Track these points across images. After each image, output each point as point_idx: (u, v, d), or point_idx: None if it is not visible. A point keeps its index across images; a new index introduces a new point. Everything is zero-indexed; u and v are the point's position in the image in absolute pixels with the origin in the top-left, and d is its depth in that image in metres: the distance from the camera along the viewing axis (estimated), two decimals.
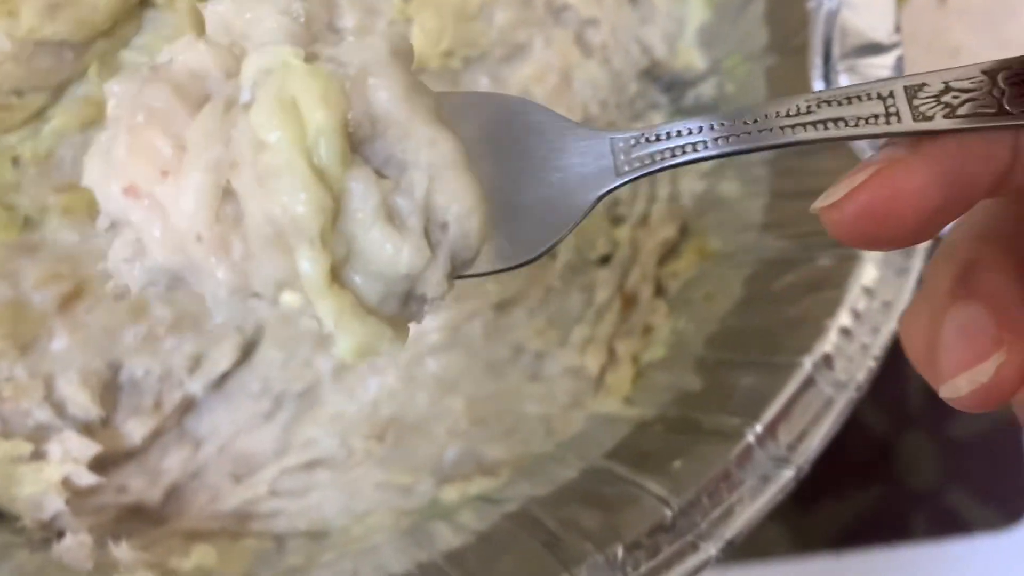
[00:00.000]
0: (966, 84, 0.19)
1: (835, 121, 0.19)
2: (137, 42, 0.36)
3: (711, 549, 0.30)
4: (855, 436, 0.58)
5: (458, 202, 0.20)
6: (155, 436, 0.38)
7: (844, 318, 0.33)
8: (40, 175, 0.36)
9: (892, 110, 0.19)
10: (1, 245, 0.35)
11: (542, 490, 0.35)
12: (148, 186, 0.19)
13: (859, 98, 0.19)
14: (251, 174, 0.19)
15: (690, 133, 0.20)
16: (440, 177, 0.20)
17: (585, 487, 0.34)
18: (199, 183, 0.19)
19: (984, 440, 0.58)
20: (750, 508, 0.30)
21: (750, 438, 0.31)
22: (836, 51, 0.34)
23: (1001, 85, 0.19)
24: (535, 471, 0.37)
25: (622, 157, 0.21)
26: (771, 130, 0.20)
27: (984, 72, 0.19)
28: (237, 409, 0.38)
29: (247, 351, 0.38)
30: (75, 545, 0.33)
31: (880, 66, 0.34)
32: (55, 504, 0.34)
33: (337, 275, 0.19)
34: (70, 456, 0.34)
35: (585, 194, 0.21)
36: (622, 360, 0.40)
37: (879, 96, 0.19)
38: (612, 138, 0.21)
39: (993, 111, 0.19)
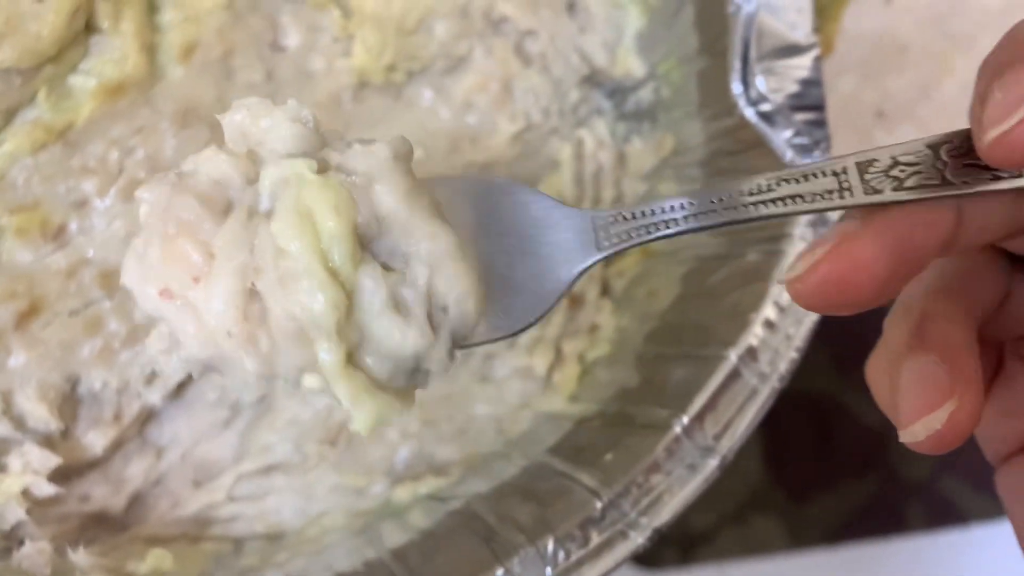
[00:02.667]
0: (912, 158, 0.20)
1: (793, 198, 0.21)
2: (84, 66, 0.38)
3: (639, 538, 0.31)
4: (848, 429, 0.59)
5: (456, 288, 0.22)
6: (117, 446, 0.39)
7: (769, 311, 0.34)
8: None
9: (845, 185, 0.21)
10: None
11: (486, 487, 0.36)
12: (181, 290, 0.22)
13: (815, 175, 0.21)
14: (274, 278, 0.21)
15: (663, 212, 0.22)
16: (439, 267, 0.22)
17: (524, 482, 0.35)
18: (228, 287, 0.21)
19: None
20: (678, 496, 0.31)
21: (677, 429, 0.32)
22: (753, 53, 0.35)
23: (944, 158, 0.20)
24: (482, 469, 0.38)
25: (601, 233, 0.23)
26: (735, 208, 0.21)
27: (928, 146, 0.20)
28: (196, 417, 0.40)
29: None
30: (34, 552, 0.34)
31: (798, 67, 0.35)
32: (16, 514, 0.35)
33: (351, 358, 0.22)
34: (30, 468, 0.35)
35: (569, 269, 0.23)
36: (568, 359, 0.41)
37: (833, 173, 0.21)
38: (593, 216, 0.23)
39: (937, 182, 0.20)
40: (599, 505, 0.31)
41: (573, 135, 0.43)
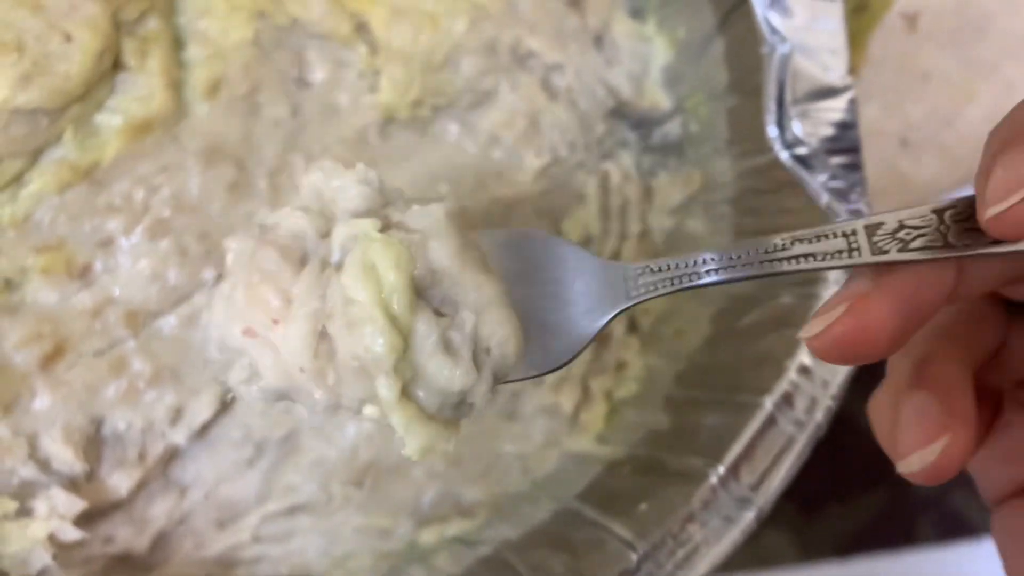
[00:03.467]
0: (917, 222, 0.22)
1: (807, 256, 0.23)
2: (110, 104, 0.37)
3: None
4: (859, 443, 0.58)
5: (498, 333, 0.25)
6: (141, 486, 0.38)
7: (804, 356, 0.33)
8: (19, 237, 0.37)
9: (854, 246, 0.22)
10: None
11: (514, 532, 0.36)
12: (262, 330, 0.25)
13: (827, 236, 0.22)
14: (342, 323, 0.24)
15: (688, 266, 0.24)
16: (485, 313, 0.25)
17: (555, 530, 0.35)
18: (302, 329, 0.24)
19: None
20: (714, 550, 0.31)
21: (713, 479, 0.32)
22: (788, 96, 0.35)
23: (947, 222, 0.22)
24: (510, 512, 0.38)
25: (630, 283, 0.25)
26: (754, 264, 0.23)
27: (934, 211, 0.22)
28: (220, 457, 0.39)
29: (227, 401, 0.39)
30: None
31: (833, 109, 0.35)
32: (42, 559, 0.35)
33: (405, 391, 0.24)
34: (56, 512, 0.35)
35: (600, 314, 0.26)
36: (596, 397, 0.41)
37: (843, 234, 0.22)
38: (623, 268, 0.26)
39: (940, 244, 0.22)
40: (635, 558, 0.31)
41: (598, 168, 0.43)
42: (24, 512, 0.35)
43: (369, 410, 0.25)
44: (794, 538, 0.56)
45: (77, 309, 0.37)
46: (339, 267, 0.25)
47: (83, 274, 0.37)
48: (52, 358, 0.36)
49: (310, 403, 0.25)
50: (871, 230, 0.22)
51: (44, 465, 0.36)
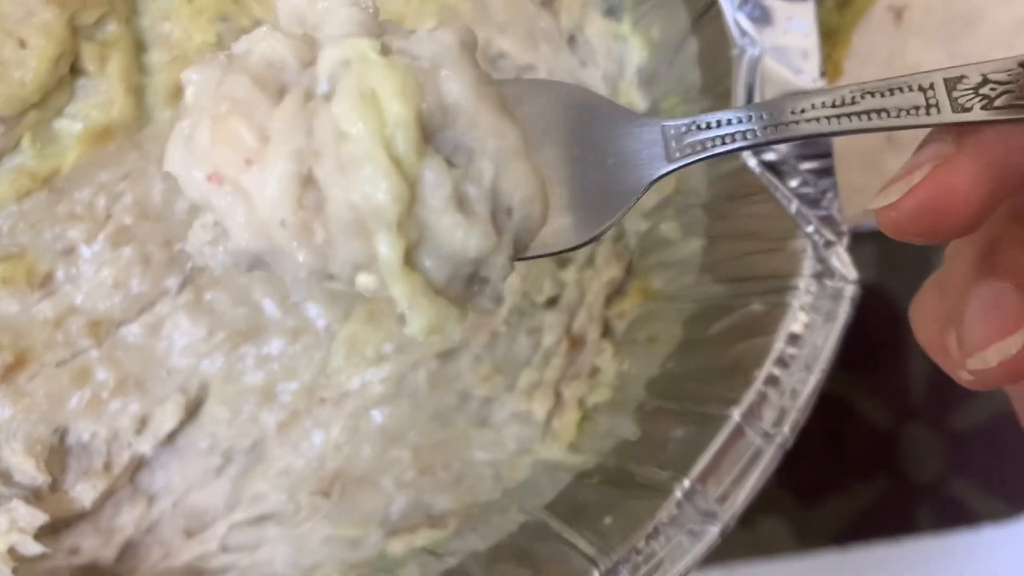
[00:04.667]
0: (1003, 76, 0.19)
1: (878, 112, 0.20)
2: (69, 110, 0.37)
3: None
4: (857, 431, 0.58)
5: (522, 189, 0.21)
6: (107, 495, 0.38)
7: (772, 367, 0.33)
8: None
9: (932, 101, 0.19)
10: None
11: (483, 544, 0.35)
12: (232, 173, 0.20)
13: (900, 89, 0.20)
14: (333, 163, 0.20)
15: (739, 122, 0.21)
16: (506, 165, 0.21)
17: (521, 544, 0.34)
18: (283, 171, 0.20)
19: (987, 431, 0.58)
20: (678, 565, 0.31)
21: (678, 494, 0.31)
22: (758, 99, 0.34)
23: None
24: (479, 522, 0.37)
25: (673, 144, 0.22)
26: (817, 120, 0.20)
27: (1021, 64, 0.19)
28: (188, 465, 0.39)
29: (192, 409, 0.38)
30: None
31: None
32: (2, 573, 0.35)
33: (409, 258, 0.20)
34: (16, 526, 0.35)
35: (638, 179, 0.22)
36: (568, 404, 0.40)
37: (920, 87, 0.20)
38: (664, 125, 0.22)
39: None
40: (596, 574, 0.30)
41: None
42: None
43: (364, 280, 0.21)
44: (793, 527, 0.56)
45: (38, 319, 0.37)
46: (328, 99, 0.20)
47: (44, 283, 0.37)
48: (13, 368, 0.36)
49: (292, 269, 0.21)
50: (951, 84, 0.19)
51: (5, 477, 0.36)
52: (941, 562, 0.56)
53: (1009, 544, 0.57)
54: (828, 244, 0.33)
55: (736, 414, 0.32)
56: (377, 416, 0.39)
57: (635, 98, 0.43)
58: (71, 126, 0.37)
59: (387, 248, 0.20)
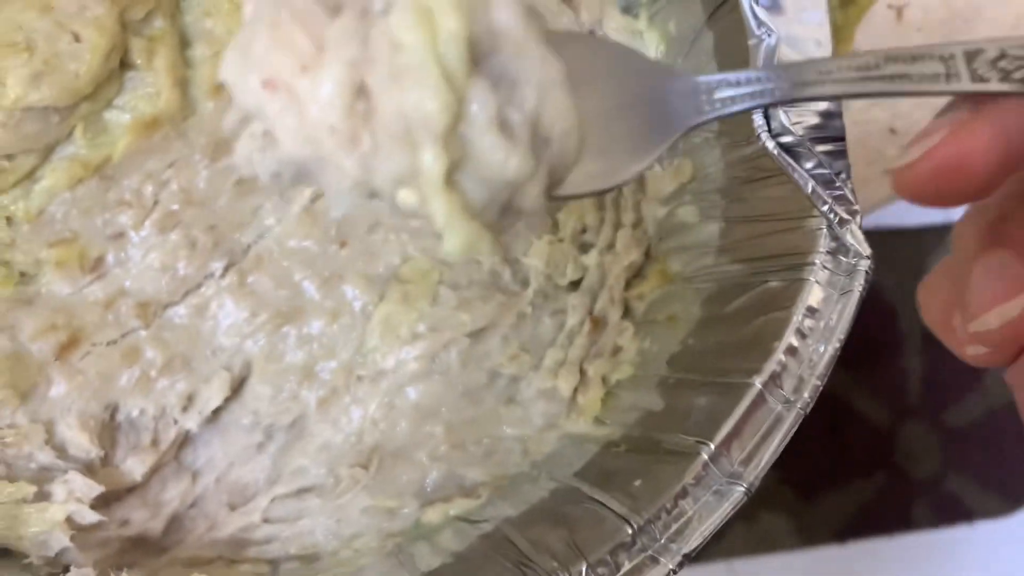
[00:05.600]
0: (1020, 52, 0.20)
1: (901, 77, 0.21)
2: (119, 102, 0.39)
3: (669, 564, 0.31)
4: (855, 428, 0.59)
5: (561, 121, 0.21)
6: (154, 471, 0.40)
7: (791, 338, 0.34)
8: (33, 232, 0.38)
9: (952, 71, 0.20)
10: None
11: (515, 510, 0.37)
12: (287, 78, 0.20)
13: (923, 58, 0.21)
14: (386, 72, 0.20)
15: (768, 80, 0.22)
16: (547, 96, 0.21)
17: (553, 507, 0.36)
18: (337, 76, 0.20)
19: (983, 428, 0.59)
20: (706, 522, 0.32)
21: (704, 456, 0.33)
22: None
23: None
24: (510, 491, 0.39)
25: (704, 97, 0.23)
26: (842, 81, 0.21)
27: None
28: (231, 442, 0.41)
29: (236, 387, 0.40)
30: None
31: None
32: (60, 541, 0.36)
33: (449, 178, 0.21)
34: (73, 496, 0.36)
35: (669, 130, 0.23)
36: (592, 381, 0.42)
37: (941, 58, 0.20)
38: (697, 80, 0.23)
39: None
40: (630, 531, 0.32)
41: None
42: (42, 496, 0.37)
43: (405, 195, 0.21)
44: (793, 522, 0.57)
45: (90, 300, 0.38)
46: (386, 13, 0.21)
47: (95, 267, 0.39)
48: (67, 348, 0.38)
49: (336, 179, 0.21)
50: (970, 56, 0.20)
51: (61, 451, 0.37)
52: (938, 557, 0.58)
53: (1004, 539, 0.58)
54: (842, 222, 0.35)
55: (757, 382, 0.34)
56: (411, 393, 0.41)
57: None
58: (120, 117, 0.39)
59: (431, 159, 0.20)
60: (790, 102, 0.22)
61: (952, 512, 0.58)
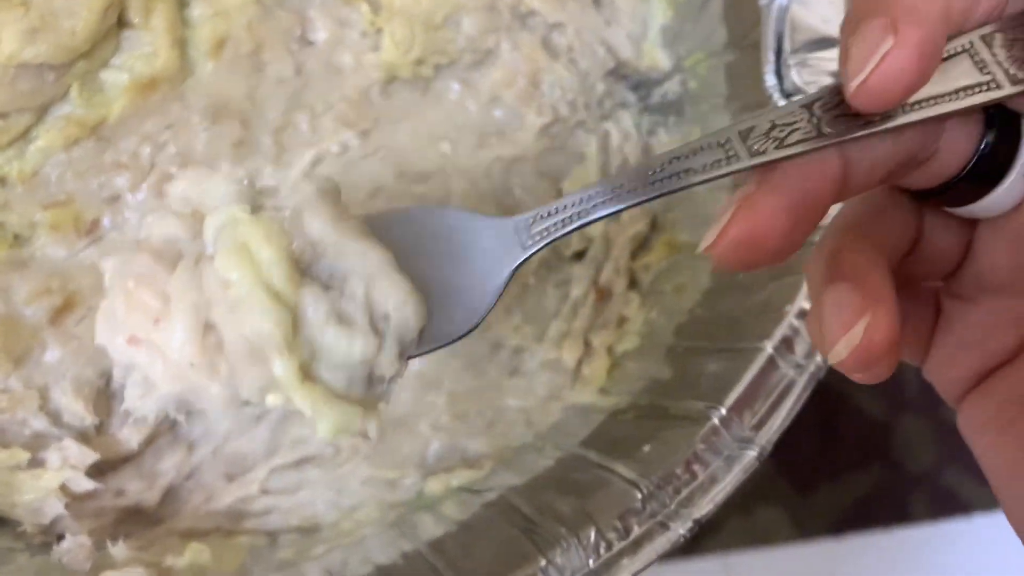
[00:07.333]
0: (788, 119, 0.22)
1: (686, 172, 0.22)
2: (115, 62, 0.38)
3: (680, 529, 0.31)
4: (852, 421, 0.59)
5: (393, 296, 0.25)
6: (150, 441, 0.39)
7: (803, 302, 0.34)
8: (27, 193, 0.37)
9: (731, 153, 0.22)
10: None
11: (520, 479, 0.36)
12: (145, 334, 0.24)
13: (703, 149, 0.22)
14: (224, 307, 0.24)
15: (575, 204, 0.24)
16: (375, 279, 0.25)
17: (560, 474, 0.35)
18: (184, 322, 0.24)
19: None
20: (716, 488, 0.32)
21: (715, 420, 0.32)
22: (787, 46, 0.35)
23: (817, 113, 0.22)
24: (514, 462, 0.38)
25: (524, 234, 0.25)
26: (638, 189, 0.23)
27: (802, 106, 0.22)
28: (228, 412, 0.40)
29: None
30: (74, 547, 0.34)
31: (831, 59, 0.35)
32: (55, 509, 0.35)
33: (308, 372, 0.24)
34: (68, 463, 0.36)
35: (501, 272, 0.26)
36: (597, 352, 0.41)
37: (719, 144, 0.22)
38: (514, 221, 0.26)
39: (814, 135, 0.21)
40: (639, 496, 0.31)
41: (599, 128, 0.43)
42: (36, 463, 0.36)
43: (272, 398, 0.24)
44: (789, 515, 0.56)
45: (85, 264, 0.38)
46: (212, 257, 0.24)
47: (91, 230, 0.38)
48: (62, 311, 0.37)
49: (210, 402, 0.24)
50: (744, 135, 0.22)
51: (55, 417, 0.37)
52: (934, 550, 0.57)
53: (1001, 533, 0.58)
54: None
55: (769, 347, 0.33)
56: (414, 363, 0.40)
57: (658, 57, 0.44)
58: (117, 77, 0.38)
59: (281, 367, 0.23)
60: (598, 219, 0.24)
61: (949, 506, 0.58)
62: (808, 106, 0.22)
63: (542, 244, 0.25)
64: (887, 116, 0.21)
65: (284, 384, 0.23)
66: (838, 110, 0.21)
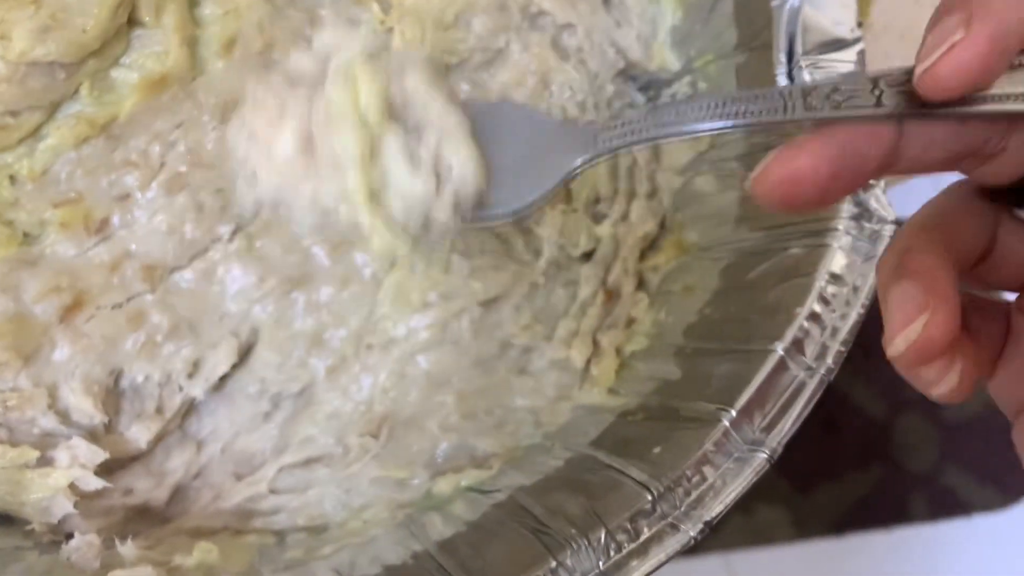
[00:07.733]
0: (850, 86, 0.23)
1: (746, 112, 0.24)
2: (126, 60, 0.38)
3: (690, 531, 0.31)
4: (852, 421, 0.59)
5: (458, 153, 0.28)
6: (158, 439, 0.39)
7: (814, 304, 0.34)
8: (37, 191, 0.37)
9: (789, 106, 0.24)
10: (1, 260, 0.37)
11: (530, 479, 0.36)
12: (262, 131, 0.28)
13: (764, 97, 0.24)
14: (323, 120, 0.28)
15: (639, 121, 0.26)
16: (449, 135, 0.28)
17: (570, 475, 0.35)
18: (292, 128, 0.28)
19: (981, 421, 0.59)
20: (727, 490, 0.31)
21: (726, 423, 0.32)
22: (799, 48, 0.35)
23: (881, 87, 0.23)
24: (524, 462, 0.38)
25: (600, 136, 0.27)
26: (687, 122, 0.25)
27: (869, 78, 0.23)
28: (237, 410, 0.40)
29: (243, 354, 0.39)
30: (83, 545, 0.34)
31: (843, 61, 0.35)
32: (63, 508, 0.35)
33: (376, 196, 0.28)
34: (77, 462, 0.36)
35: (563, 167, 0.28)
36: (606, 352, 0.41)
37: (780, 95, 0.24)
38: (592, 127, 0.28)
39: (872, 104, 0.23)
40: (650, 498, 0.31)
41: None
42: (45, 461, 0.36)
43: (344, 209, 0.28)
44: (789, 515, 0.57)
45: (95, 262, 0.37)
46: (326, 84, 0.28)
47: (101, 228, 0.38)
48: (71, 310, 0.37)
49: (299, 202, 0.28)
50: (805, 92, 0.23)
51: (64, 416, 0.37)
52: (934, 550, 0.57)
53: (1001, 533, 0.58)
54: (866, 187, 0.34)
55: (779, 348, 0.33)
56: (422, 362, 0.40)
57: (668, 58, 0.44)
58: (127, 75, 0.38)
59: (354, 180, 0.27)
60: (652, 140, 0.26)
61: (949, 506, 0.58)
62: (875, 79, 0.23)
63: (613, 145, 0.27)
64: (947, 103, 0.22)
65: (354, 197, 0.27)
66: (902, 87, 0.22)
